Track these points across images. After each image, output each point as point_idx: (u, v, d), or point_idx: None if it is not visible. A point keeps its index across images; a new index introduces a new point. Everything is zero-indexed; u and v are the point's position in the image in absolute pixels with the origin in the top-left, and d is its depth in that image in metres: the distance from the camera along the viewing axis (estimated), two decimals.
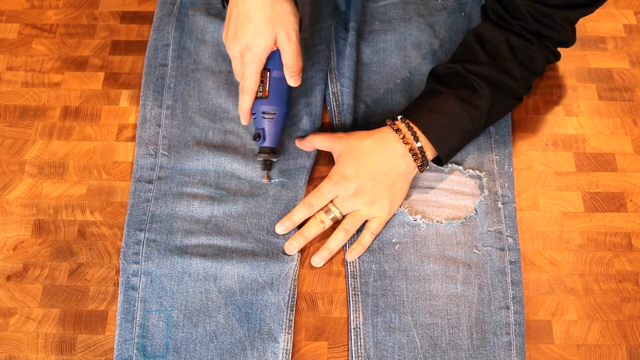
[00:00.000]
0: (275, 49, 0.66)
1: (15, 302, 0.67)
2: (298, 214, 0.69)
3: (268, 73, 0.67)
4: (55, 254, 0.69)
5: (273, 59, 0.67)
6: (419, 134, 0.66)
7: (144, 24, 0.83)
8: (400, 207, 0.70)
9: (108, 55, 0.81)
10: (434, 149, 0.67)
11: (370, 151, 0.68)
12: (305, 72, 0.78)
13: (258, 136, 0.69)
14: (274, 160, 0.71)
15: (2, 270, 0.69)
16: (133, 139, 0.75)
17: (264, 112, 0.68)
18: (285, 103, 0.69)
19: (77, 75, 0.80)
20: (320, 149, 0.72)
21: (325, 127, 0.77)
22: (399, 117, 0.68)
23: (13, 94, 0.78)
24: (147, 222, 0.69)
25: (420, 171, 0.69)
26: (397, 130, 0.67)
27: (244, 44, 0.65)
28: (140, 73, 0.79)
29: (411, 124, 0.67)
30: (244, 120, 0.70)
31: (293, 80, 0.67)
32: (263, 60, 0.66)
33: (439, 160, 0.69)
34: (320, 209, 0.69)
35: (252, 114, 0.70)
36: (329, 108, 0.77)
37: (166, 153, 0.73)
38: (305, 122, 0.76)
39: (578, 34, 0.82)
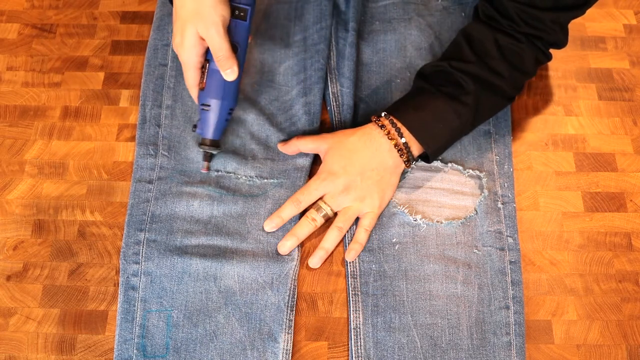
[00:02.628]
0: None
1: (15, 302, 0.67)
2: (286, 211, 0.69)
3: (207, 65, 0.67)
4: (55, 254, 0.69)
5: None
6: (403, 129, 0.67)
7: (144, 24, 0.83)
8: (400, 207, 0.70)
9: (108, 55, 0.81)
10: (419, 145, 0.67)
11: (357, 147, 0.68)
12: (304, 71, 0.78)
13: (195, 126, 0.69)
14: (214, 152, 0.71)
15: (2, 270, 0.69)
16: (133, 139, 0.75)
17: (201, 104, 0.68)
18: (222, 95, 0.67)
19: (77, 75, 0.80)
20: (305, 151, 0.72)
21: (325, 127, 0.77)
22: (383, 113, 0.68)
23: (13, 94, 0.78)
24: (147, 222, 0.69)
25: (407, 166, 0.69)
26: (382, 127, 0.67)
27: (176, 43, 0.65)
28: (140, 73, 0.79)
29: (395, 120, 0.67)
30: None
31: (226, 75, 0.66)
32: (194, 58, 0.65)
33: (427, 157, 0.70)
34: (312, 207, 0.69)
35: None
36: (328, 108, 0.77)
37: (166, 153, 0.73)
38: (303, 122, 0.75)
39: (578, 34, 0.82)
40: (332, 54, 0.80)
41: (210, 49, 0.64)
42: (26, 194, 0.72)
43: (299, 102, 0.77)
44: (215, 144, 0.69)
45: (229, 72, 0.65)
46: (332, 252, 0.69)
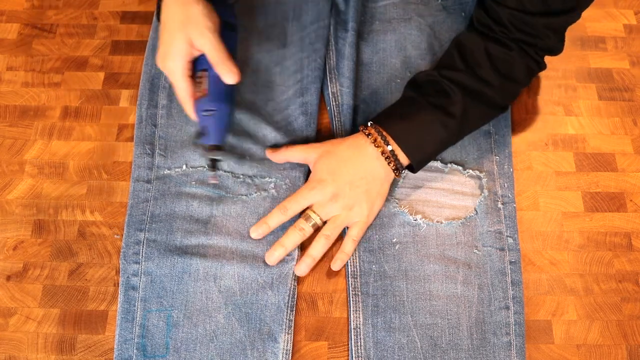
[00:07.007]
0: (199, 52, 0.63)
1: (15, 302, 0.67)
2: (273, 219, 0.67)
3: (206, 73, 0.65)
4: (55, 254, 0.69)
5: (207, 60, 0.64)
6: (389, 138, 0.66)
7: (144, 24, 0.83)
8: (400, 207, 0.70)
9: (108, 55, 0.81)
10: (405, 154, 0.67)
11: (345, 156, 0.67)
12: (301, 70, 0.78)
13: (200, 134, 0.67)
14: (220, 158, 0.68)
15: (2, 270, 0.69)
16: (133, 139, 0.75)
17: (204, 110, 0.66)
18: (226, 100, 0.66)
19: (77, 75, 0.80)
20: (294, 161, 0.71)
21: (324, 127, 0.77)
22: (369, 123, 0.68)
23: (13, 94, 0.78)
24: (147, 222, 0.69)
25: (396, 176, 0.68)
26: (369, 135, 0.67)
27: (162, 53, 0.63)
28: (140, 73, 0.79)
29: (380, 129, 0.67)
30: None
31: (227, 78, 0.63)
32: (181, 63, 0.62)
33: (412, 168, 0.69)
34: (301, 217, 0.68)
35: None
36: (328, 108, 0.77)
37: (163, 153, 0.73)
38: (301, 122, 0.75)
39: (578, 34, 0.82)
40: (331, 53, 0.80)
41: (207, 53, 0.62)
42: (26, 194, 0.72)
43: (295, 102, 0.76)
44: (220, 148, 0.68)
45: (230, 75, 0.63)
46: (333, 253, 0.69)
